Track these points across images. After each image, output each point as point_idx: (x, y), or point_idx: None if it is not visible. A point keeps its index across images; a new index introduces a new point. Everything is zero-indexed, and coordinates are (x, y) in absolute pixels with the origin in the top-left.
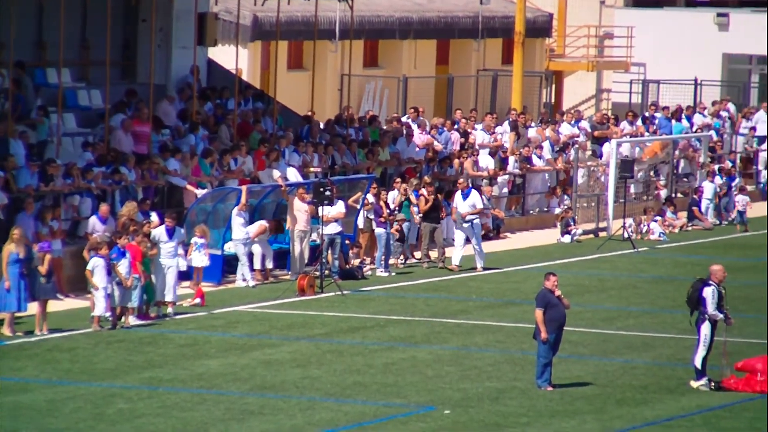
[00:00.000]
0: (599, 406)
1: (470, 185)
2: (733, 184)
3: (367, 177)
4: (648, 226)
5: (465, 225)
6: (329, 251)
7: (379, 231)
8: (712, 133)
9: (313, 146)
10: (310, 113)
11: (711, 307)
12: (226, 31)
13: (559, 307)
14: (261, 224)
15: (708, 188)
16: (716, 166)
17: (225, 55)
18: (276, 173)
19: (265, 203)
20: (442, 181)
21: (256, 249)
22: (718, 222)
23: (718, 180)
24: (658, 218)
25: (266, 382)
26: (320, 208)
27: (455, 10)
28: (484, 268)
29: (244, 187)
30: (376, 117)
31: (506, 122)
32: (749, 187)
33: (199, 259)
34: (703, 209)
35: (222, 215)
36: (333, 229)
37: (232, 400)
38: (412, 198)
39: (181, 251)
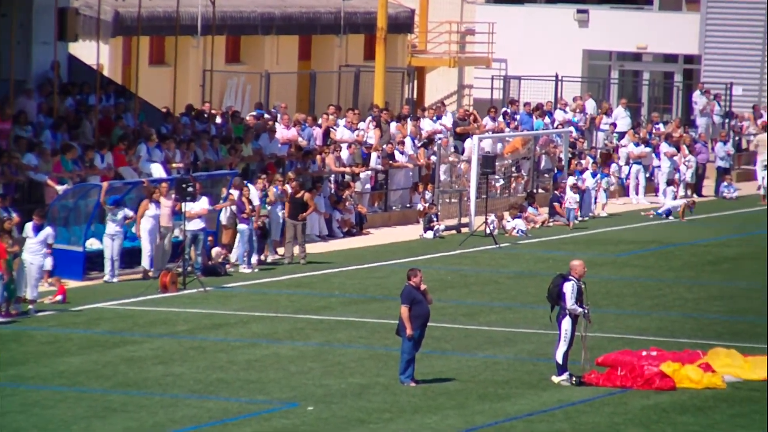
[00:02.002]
0: (461, 402)
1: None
2: (594, 180)
3: (229, 173)
4: (511, 221)
5: None
6: (192, 247)
7: (241, 227)
8: (572, 128)
9: (175, 142)
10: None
11: (569, 302)
12: (87, 26)
13: (424, 304)
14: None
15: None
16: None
17: (86, 51)
18: (157, 168)
19: (128, 199)
20: (305, 176)
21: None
22: (579, 217)
23: (588, 176)
24: (520, 214)
25: (128, 380)
26: (183, 204)
27: (317, 6)
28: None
29: (105, 183)
30: (238, 113)
31: (369, 118)
32: (611, 183)
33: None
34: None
35: (83, 212)
36: (196, 225)
37: (94, 397)
38: (271, 194)
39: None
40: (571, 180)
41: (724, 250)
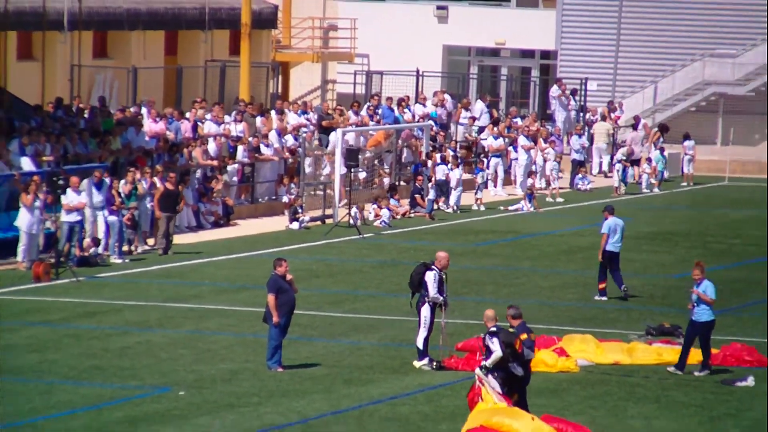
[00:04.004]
0: (327, 386)
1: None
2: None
3: (99, 166)
4: (380, 212)
5: None
6: (68, 239)
7: (111, 219)
8: (431, 122)
9: (45, 135)
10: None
11: (432, 291)
12: None
13: (290, 292)
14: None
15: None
16: (438, 155)
17: None
18: (26, 161)
19: None
20: (173, 169)
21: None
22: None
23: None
24: (390, 208)
25: (4, 366)
26: (62, 196)
27: (182, 2)
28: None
29: None
30: (106, 107)
31: (234, 112)
32: (469, 176)
33: None
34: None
35: None
36: (72, 217)
37: None
38: (140, 187)
39: None
40: (487, 176)
41: (578, 240)
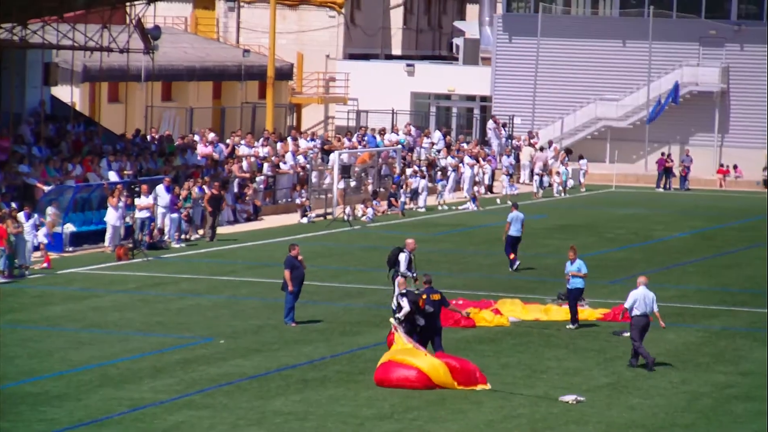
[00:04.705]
0: (327, 336)
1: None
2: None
3: (164, 177)
4: (366, 210)
5: None
6: (141, 230)
7: (173, 215)
8: (401, 146)
9: (126, 156)
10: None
11: (402, 267)
12: (63, 75)
13: (301, 269)
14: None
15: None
16: (409, 170)
17: (63, 92)
18: (113, 174)
19: (93, 197)
20: (217, 179)
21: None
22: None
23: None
24: (373, 207)
25: (94, 322)
26: (137, 199)
27: (225, 61)
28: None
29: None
30: (170, 136)
31: (261, 139)
32: (431, 184)
33: (42, 236)
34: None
35: (62, 204)
36: (144, 214)
37: (70, 335)
38: (194, 192)
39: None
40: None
41: None
